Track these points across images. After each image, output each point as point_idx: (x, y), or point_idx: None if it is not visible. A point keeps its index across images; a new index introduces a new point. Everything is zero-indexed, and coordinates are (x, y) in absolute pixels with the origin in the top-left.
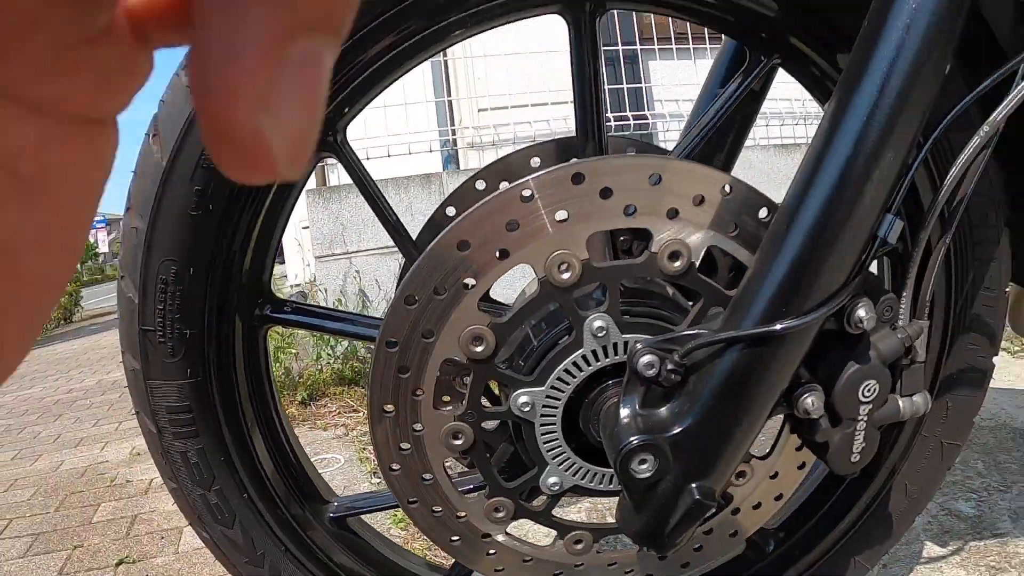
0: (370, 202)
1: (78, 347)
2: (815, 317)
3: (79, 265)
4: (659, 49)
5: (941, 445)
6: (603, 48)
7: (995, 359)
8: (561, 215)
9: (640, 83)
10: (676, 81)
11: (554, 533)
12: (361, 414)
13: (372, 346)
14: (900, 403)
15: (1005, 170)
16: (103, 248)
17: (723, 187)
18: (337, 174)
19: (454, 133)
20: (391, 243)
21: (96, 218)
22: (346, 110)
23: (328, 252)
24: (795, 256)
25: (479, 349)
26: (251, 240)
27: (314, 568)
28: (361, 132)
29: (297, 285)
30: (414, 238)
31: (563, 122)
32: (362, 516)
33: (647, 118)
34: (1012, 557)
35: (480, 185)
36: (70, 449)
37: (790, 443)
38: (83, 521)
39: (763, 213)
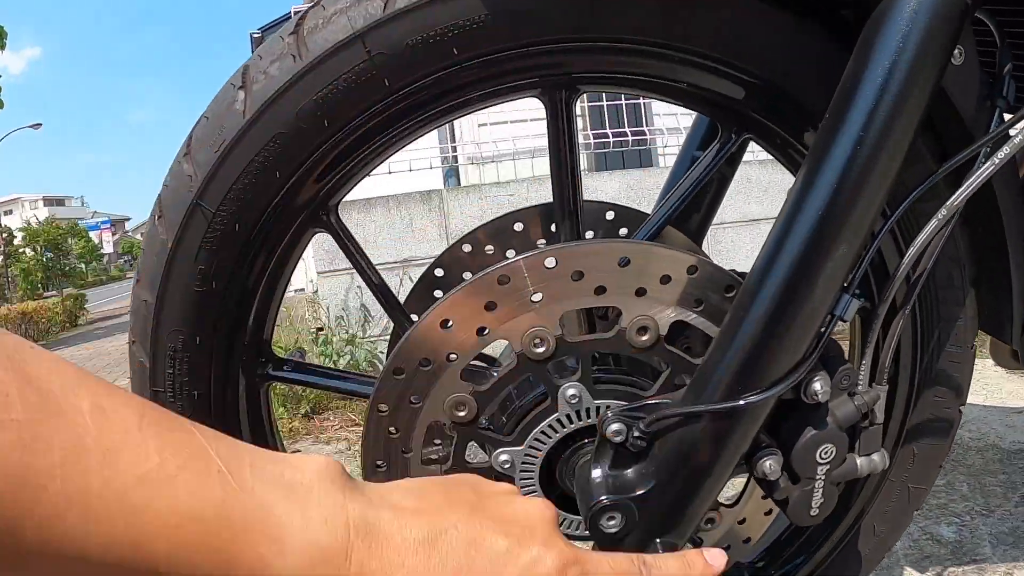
0: (361, 274)
1: (84, 354)
2: (772, 393)
3: (84, 266)
4: None
5: (908, 489)
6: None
7: (961, 408)
8: (537, 296)
9: (639, 99)
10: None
11: None
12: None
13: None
14: (858, 462)
15: (969, 230)
16: (108, 248)
17: (688, 267)
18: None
19: (454, 149)
20: (392, 259)
21: (100, 219)
22: (337, 191)
23: (330, 267)
24: (755, 336)
25: (462, 414)
26: (252, 308)
27: None
28: None
29: (300, 290)
30: (411, 254)
31: None
32: None
33: (645, 134)
34: None
35: (466, 248)
36: None
37: (757, 492)
38: None
39: (728, 290)
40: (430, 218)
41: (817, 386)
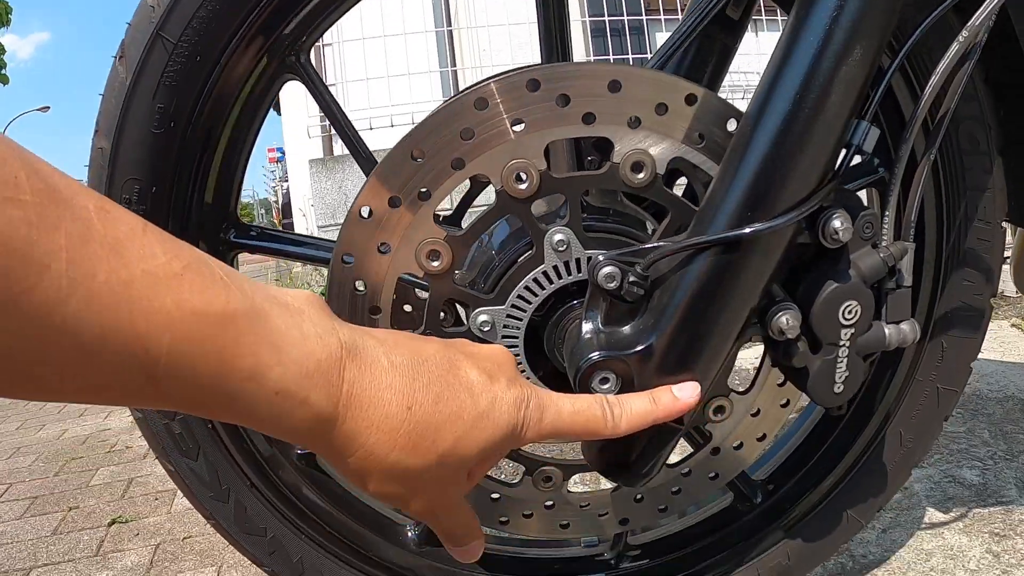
0: (334, 124)
1: None
2: (783, 222)
3: None
4: (665, 20)
5: (937, 391)
6: (608, 19)
7: (992, 300)
8: (518, 126)
9: (646, 54)
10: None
11: (522, 469)
12: None
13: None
14: (886, 330)
15: (995, 94)
16: None
17: (687, 95)
18: (341, 145)
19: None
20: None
21: None
22: (306, 30)
23: (332, 222)
24: (760, 161)
25: (436, 264)
26: (214, 161)
27: (280, 504)
28: (364, 102)
29: None
30: None
31: None
32: None
33: (643, 23)
34: (1017, 525)
35: None
36: (74, 419)
37: (772, 378)
38: (80, 485)
39: (732, 125)
40: None
41: (837, 223)
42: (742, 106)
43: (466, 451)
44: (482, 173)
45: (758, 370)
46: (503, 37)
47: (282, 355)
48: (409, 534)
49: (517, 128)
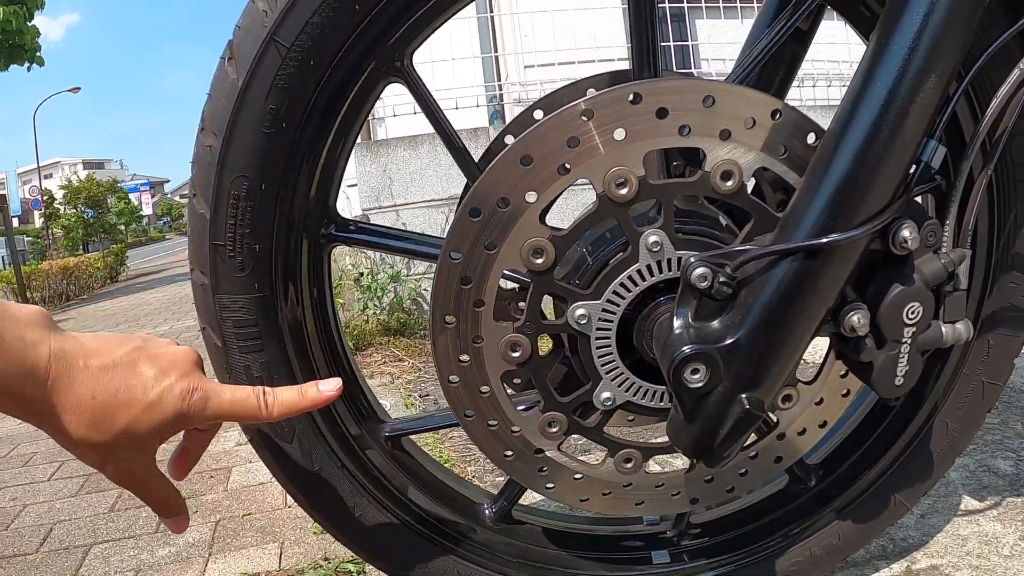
0: (436, 126)
1: (125, 304)
2: (860, 232)
3: (124, 227)
4: (706, 7)
5: (982, 384)
6: None
7: None
8: (619, 133)
9: (687, 41)
10: (723, 40)
11: (604, 451)
12: (406, 363)
13: (433, 264)
14: (943, 329)
15: None
16: (147, 210)
17: (774, 111)
18: (385, 128)
19: (500, 89)
20: (438, 196)
21: (139, 181)
22: (413, 37)
23: (376, 205)
24: (842, 175)
25: (539, 261)
26: (320, 158)
27: (371, 486)
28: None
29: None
30: (458, 191)
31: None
32: (411, 436)
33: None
34: None
35: (538, 115)
36: None
37: (835, 370)
38: None
39: (811, 138)
40: (475, 155)
41: (906, 233)
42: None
43: (139, 430)
44: (586, 178)
45: (823, 362)
46: (546, 23)
47: (5, 360)
48: (486, 512)
49: (619, 137)
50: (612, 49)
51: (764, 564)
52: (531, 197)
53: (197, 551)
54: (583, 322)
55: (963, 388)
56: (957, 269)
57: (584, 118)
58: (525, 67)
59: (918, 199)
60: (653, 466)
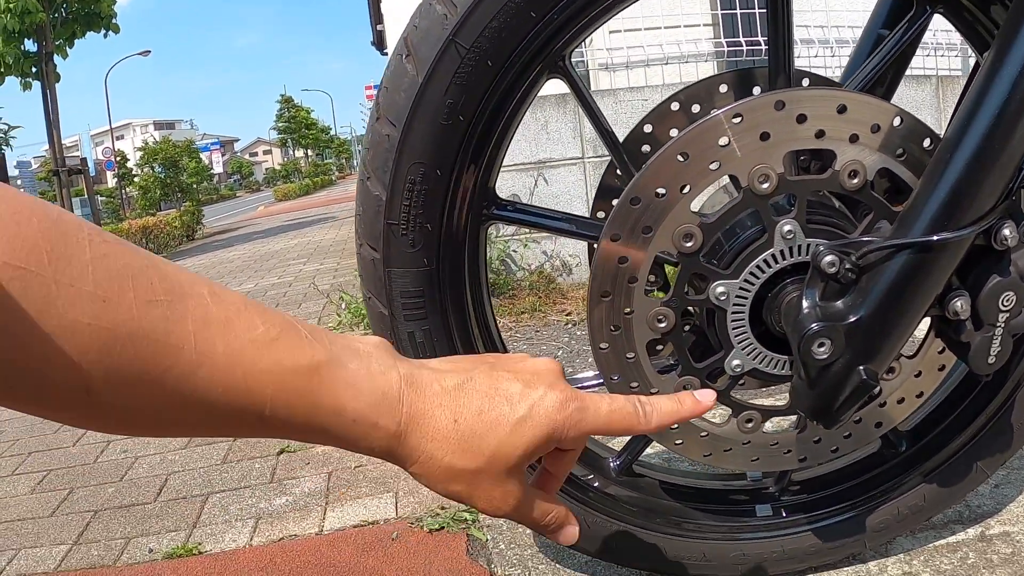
0: (591, 116)
1: (206, 262)
2: (969, 232)
3: (195, 185)
4: None
5: None
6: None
7: None
8: (764, 135)
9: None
10: (813, 7)
11: (728, 412)
12: (499, 322)
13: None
14: None
15: None
16: (217, 168)
17: (895, 118)
18: None
19: (585, 55)
20: (527, 160)
21: (209, 141)
22: (576, 37)
23: (512, 162)
24: (955, 180)
25: (689, 244)
26: (487, 147)
27: None
28: None
29: None
30: (546, 156)
31: (693, 45)
32: None
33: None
34: None
35: (675, 106)
36: None
37: (934, 346)
38: None
39: (927, 142)
40: (564, 121)
41: (1007, 232)
42: None
43: (510, 451)
44: (733, 173)
45: (924, 339)
46: None
47: (357, 391)
48: (611, 465)
49: (764, 139)
50: (696, 15)
51: (856, 520)
52: (685, 189)
53: (314, 500)
54: (722, 298)
55: None
56: None
57: (736, 120)
58: (610, 32)
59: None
60: (768, 426)
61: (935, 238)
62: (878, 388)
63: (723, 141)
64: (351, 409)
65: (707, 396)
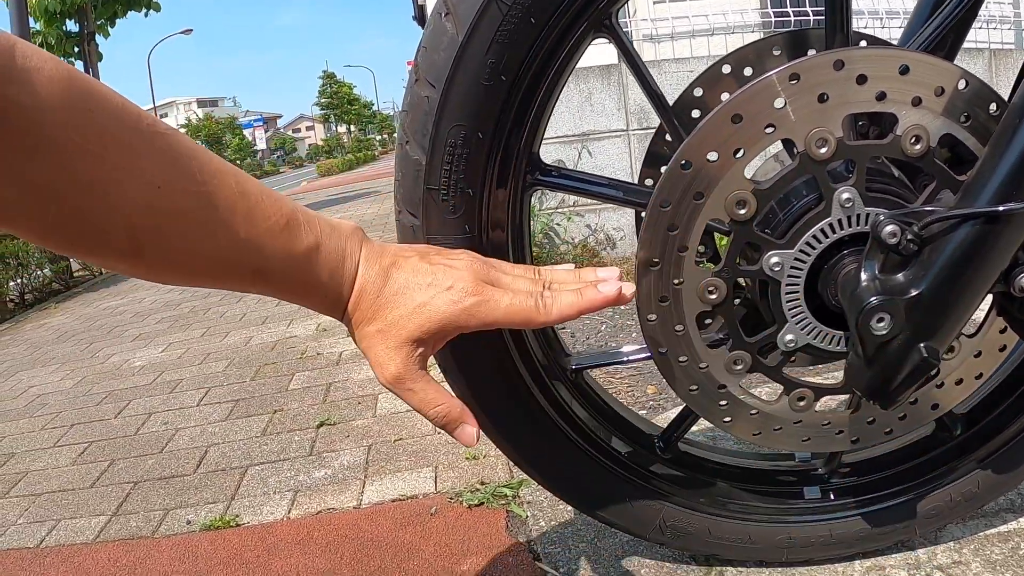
0: (639, 78)
1: None
2: None
3: (239, 161)
4: None
5: None
6: None
7: None
8: (822, 96)
9: (821, 5)
10: None
11: (780, 390)
12: None
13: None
14: None
15: None
16: (260, 145)
17: (960, 80)
18: None
19: (629, 25)
20: (571, 132)
21: (252, 117)
22: None
23: (555, 134)
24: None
25: (742, 212)
26: (530, 110)
27: (557, 416)
28: None
29: None
30: (590, 128)
31: (739, 15)
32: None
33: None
34: None
35: (726, 69)
36: (257, 326)
37: (995, 326)
38: (279, 389)
39: (993, 107)
40: (608, 92)
41: None
42: None
43: (404, 325)
44: (789, 137)
45: (985, 318)
46: None
47: (333, 268)
48: (657, 443)
49: (822, 100)
50: None
51: (907, 505)
52: (738, 153)
53: (353, 473)
54: (776, 269)
55: None
56: None
57: (792, 81)
58: (655, 2)
59: None
60: (820, 405)
61: (1001, 208)
62: (938, 367)
63: (779, 103)
64: (346, 273)
65: (609, 286)
